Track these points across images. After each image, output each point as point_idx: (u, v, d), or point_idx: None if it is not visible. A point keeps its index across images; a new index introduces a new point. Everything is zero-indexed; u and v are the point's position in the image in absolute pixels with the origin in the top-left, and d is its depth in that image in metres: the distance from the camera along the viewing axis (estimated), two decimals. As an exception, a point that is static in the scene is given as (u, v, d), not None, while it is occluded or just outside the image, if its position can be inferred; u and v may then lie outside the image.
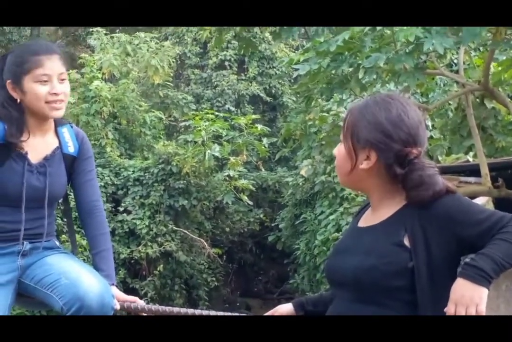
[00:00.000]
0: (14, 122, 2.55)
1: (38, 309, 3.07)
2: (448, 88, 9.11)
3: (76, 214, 2.77)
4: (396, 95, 2.03)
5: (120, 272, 12.54)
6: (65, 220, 3.00)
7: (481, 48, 8.65)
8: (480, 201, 5.66)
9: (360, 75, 5.17)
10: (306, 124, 8.32)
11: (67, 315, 2.38)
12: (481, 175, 5.72)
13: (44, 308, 2.69)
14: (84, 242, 10.56)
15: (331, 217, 11.68)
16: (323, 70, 5.34)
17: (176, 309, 2.53)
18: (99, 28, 15.67)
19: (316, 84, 5.81)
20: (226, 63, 17.59)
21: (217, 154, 13.37)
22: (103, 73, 14.53)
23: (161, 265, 13.29)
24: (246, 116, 14.75)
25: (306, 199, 13.42)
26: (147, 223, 13.26)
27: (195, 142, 13.69)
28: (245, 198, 13.92)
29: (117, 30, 17.49)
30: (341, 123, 2.14)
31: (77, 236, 9.09)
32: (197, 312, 2.50)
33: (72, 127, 2.76)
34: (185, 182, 13.50)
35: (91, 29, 16.24)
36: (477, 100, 6.84)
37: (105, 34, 15.64)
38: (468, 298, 1.73)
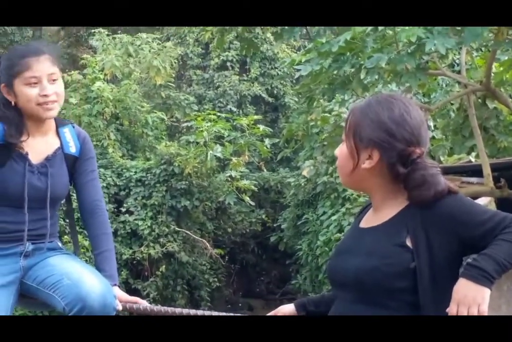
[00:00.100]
0: (13, 123, 2.56)
1: (40, 310, 3.08)
2: (450, 88, 9.11)
3: (79, 214, 2.77)
4: (398, 95, 2.04)
5: (122, 272, 12.55)
6: (68, 220, 3.01)
7: (483, 49, 8.64)
8: (482, 201, 5.66)
9: (362, 76, 5.17)
10: (308, 125, 8.32)
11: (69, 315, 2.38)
12: (483, 175, 5.71)
13: (47, 309, 2.69)
14: (86, 243, 10.56)
15: (333, 218, 11.68)
16: (325, 70, 5.34)
17: (178, 310, 2.53)
18: (101, 29, 15.68)
19: (318, 84, 5.81)
20: (228, 64, 17.60)
21: (219, 155, 13.38)
22: (105, 74, 14.54)
23: (163, 266, 13.30)
24: (248, 117, 14.76)
25: (308, 200, 13.41)
26: (149, 224, 13.26)
27: (197, 143, 13.70)
28: (247, 198, 13.92)
29: (119, 31, 17.49)
30: (343, 124, 2.14)
31: (79, 237, 9.07)
32: (199, 312, 2.50)
33: (74, 127, 2.76)
34: (187, 182, 13.51)
35: (93, 30, 16.25)
36: (479, 100, 6.84)
37: (107, 35, 15.66)
38: (471, 298, 1.73)
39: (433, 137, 8.84)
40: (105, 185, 13.10)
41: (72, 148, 2.70)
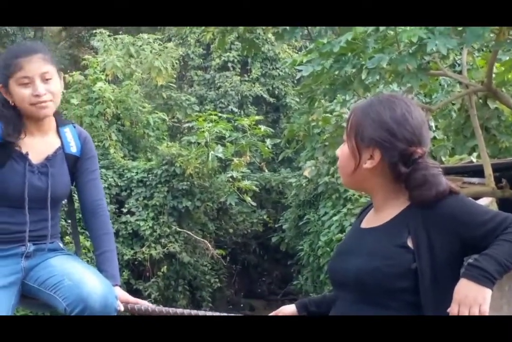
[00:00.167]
0: (11, 123, 2.55)
1: (42, 311, 3.08)
2: (451, 88, 9.11)
3: (80, 215, 2.77)
4: (399, 95, 2.04)
5: (124, 273, 12.55)
6: (69, 221, 3.00)
7: (484, 49, 8.64)
8: (483, 201, 5.65)
9: (363, 76, 5.17)
10: (310, 125, 8.33)
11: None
12: (484, 175, 5.71)
13: (48, 310, 2.69)
14: (88, 244, 10.56)
15: (334, 218, 11.68)
16: (326, 71, 5.34)
17: (179, 311, 2.53)
18: (102, 30, 15.70)
19: (319, 85, 5.81)
20: (229, 64, 17.60)
21: (220, 155, 13.38)
22: (107, 75, 14.55)
23: (165, 266, 13.30)
24: (249, 117, 14.76)
25: (310, 200, 13.41)
26: (150, 224, 13.26)
27: (199, 143, 13.70)
28: (248, 199, 13.92)
29: (121, 32, 17.51)
30: (344, 124, 2.14)
31: (81, 237, 9.06)
32: (201, 313, 2.49)
33: (74, 127, 2.75)
34: (188, 183, 13.51)
35: (94, 31, 16.27)
36: (480, 101, 6.84)
37: (109, 35, 15.67)
38: (472, 299, 1.73)
39: (435, 138, 8.84)
40: (106, 185, 13.10)
41: (73, 148, 2.69)
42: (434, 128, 9.23)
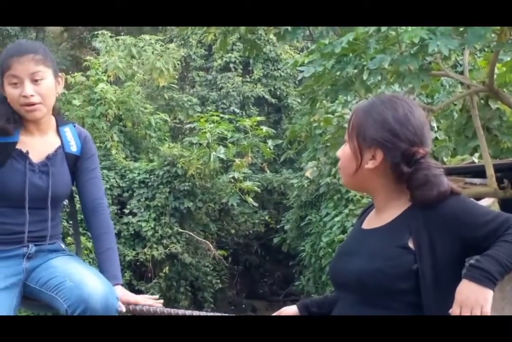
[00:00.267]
0: (4, 116, 2.53)
1: (43, 312, 3.07)
2: (453, 89, 9.09)
3: (82, 216, 2.77)
4: (401, 96, 2.04)
5: (125, 274, 12.55)
6: (71, 221, 3.00)
7: (485, 49, 8.64)
8: (485, 202, 5.64)
9: (365, 77, 5.17)
10: (311, 126, 8.31)
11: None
12: (486, 176, 5.70)
13: (50, 311, 2.68)
14: (89, 244, 10.58)
15: (336, 219, 11.68)
16: (328, 72, 5.34)
17: (181, 311, 2.53)
18: (104, 31, 15.72)
19: (321, 86, 5.81)
20: (231, 65, 17.61)
21: (222, 156, 13.39)
22: (108, 76, 14.57)
23: (167, 267, 13.30)
24: (251, 118, 14.77)
25: (311, 201, 13.41)
26: (152, 225, 13.27)
27: (200, 144, 13.71)
28: (250, 199, 13.92)
29: (122, 33, 17.52)
30: (346, 125, 2.14)
31: (83, 238, 9.06)
32: (202, 314, 2.49)
33: (75, 126, 2.75)
34: (190, 184, 13.51)
35: (96, 32, 16.28)
36: (482, 101, 6.83)
37: (110, 36, 15.69)
38: (473, 300, 1.73)
39: (436, 138, 8.83)
40: (108, 186, 13.12)
41: (73, 147, 2.68)
42: (435, 128, 9.21)
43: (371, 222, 2.01)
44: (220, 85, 17.57)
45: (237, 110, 17.12)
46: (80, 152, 2.70)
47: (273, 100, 17.69)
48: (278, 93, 17.79)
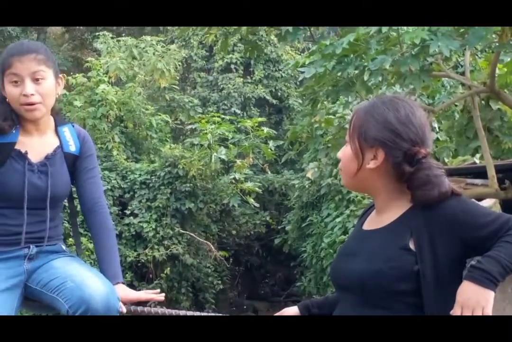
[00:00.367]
0: (2, 114, 2.53)
1: (45, 313, 3.07)
2: (454, 90, 9.09)
3: (83, 217, 2.77)
4: (402, 96, 2.04)
5: (127, 275, 12.55)
6: (71, 222, 3.00)
7: (486, 50, 8.63)
8: (487, 203, 5.64)
9: (366, 78, 5.17)
10: (312, 127, 8.30)
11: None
12: (487, 176, 5.70)
13: (51, 312, 2.68)
14: (91, 245, 10.58)
15: (337, 220, 11.68)
16: (329, 72, 5.34)
17: (182, 312, 2.53)
18: (105, 32, 15.72)
19: (322, 86, 5.81)
20: (232, 66, 17.61)
21: (223, 157, 13.39)
22: (110, 77, 14.58)
23: (168, 268, 13.31)
24: (252, 119, 14.77)
25: (313, 202, 13.41)
26: (153, 226, 13.27)
27: (201, 145, 13.71)
28: (251, 200, 13.91)
29: (123, 34, 17.53)
30: (347, 126, 2.14)
31: (84, 239, 9.00)
32: (204, 315, 2.49)
33: (73, 126, 2.75)
34: (191, 185, 13.51)
35: (97, 33, 16.29)
36: (483, 102, 6.83)
37: (112, 37, 15.69)
38: (474, 301, 1.73)
39: (438, 139, 8.84)
40: (109, 187, 13.13)
41: (72, 147, 2.68)
42: (437, 129, 9.22)
43: (372, 223, 2.01)
44: (221, 86, 17.58)
45: (238, 111, 17.12)
46: (79, 152, 2.70)
47: (274, 101, 17.69)
48: (279, 94, 17.79)
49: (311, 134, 8.50)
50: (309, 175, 12.43)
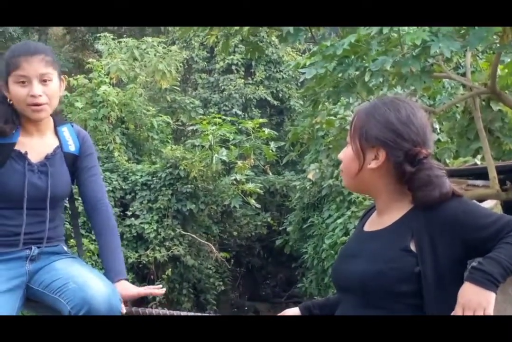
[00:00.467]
0: (3, 116, 2.54)
1: (47, 314, 3.07)
2: (455, 91, 9.09)
3: (84, 218, 2.77)
4: (403, 97, 2.05)
5: (128, 276, 12.49)
6: (72, 223, 3.00)
7: (487, 51, 8.63)
8: (488, 204, 5.64)
9: (367, 79, 5.17)
10: (313, 128, 8.31)
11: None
12: (489, 178, 5.70)
13: (53, 313, 2.68)
14: (92, 247, 10.59)
15: (338, 221, 11.67)
16: (330, 73, 5.34)
17: (183, 313, 2.53)
18: (106, 33, 15.73)
19: (323, 88, 5.81)
20: (233, 67, 17.62)
21: (224, 158, 13.39)
22: (111, 78, 14.58)
23: (169, 269, 13.31)
24: (253, 120, 14.78)
25: (314, 203, 13.41)
26: (155, 227, 13.28)
27: (203, 146, 13.72)
28: (252, 201, 13.92)
29: (125, 35, 17.54)
30: (348, 127, 2.15)
31: (85, 240, 8.99)
32: (205, 315, 2.49)
33: (72, 126, 2.75)
34: (192, 186, 13.52)
35: (98, 34, 16.30)
36: (484, 103, 6.82)
37: (113, 39, 15.71)
38: (476, 302, 1.73)
39: (439, 140, 8.84)
40: (111, 188, 13.13)
41: (72, 147, 2.69)
42: (438, 130, 9.22)
43: (373, 224, 2.01)
44: (222, 87, 17.59)
45: (239, 112, 17.12)
46: (78, 152, 2.71)
47: (275, 102, 17.70)
48: (280, 95, 17.80)
49: (312, 136, 8.52)
50: (310, 176, 12.44)
